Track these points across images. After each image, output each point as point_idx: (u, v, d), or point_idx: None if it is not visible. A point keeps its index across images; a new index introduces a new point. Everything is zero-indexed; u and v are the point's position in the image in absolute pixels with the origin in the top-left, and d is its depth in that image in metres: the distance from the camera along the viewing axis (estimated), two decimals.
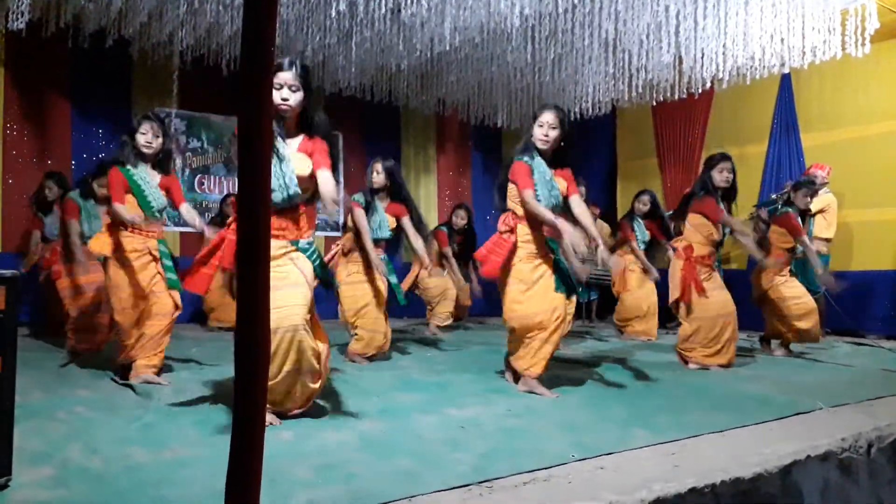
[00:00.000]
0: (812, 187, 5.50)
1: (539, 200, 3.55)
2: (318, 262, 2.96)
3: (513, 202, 3.70)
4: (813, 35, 5.46)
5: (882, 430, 2.76)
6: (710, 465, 2.21)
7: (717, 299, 4.61)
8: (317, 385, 2.88)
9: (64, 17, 5.64)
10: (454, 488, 1.97)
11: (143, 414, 2.93)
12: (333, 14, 5.61)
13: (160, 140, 3.84)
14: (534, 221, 3.63)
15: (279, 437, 2.55)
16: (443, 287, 6.90)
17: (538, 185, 3.58)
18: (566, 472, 2.14)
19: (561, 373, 4.11)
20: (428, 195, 9.26)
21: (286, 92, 2.82)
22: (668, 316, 6.73)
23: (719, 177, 4.60)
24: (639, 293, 6.61)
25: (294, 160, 2.85)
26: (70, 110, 7.11)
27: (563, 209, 3.68)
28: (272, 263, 2.71)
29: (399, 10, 5.69)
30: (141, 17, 5.83)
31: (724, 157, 4.70)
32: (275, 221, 2.78)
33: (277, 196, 2.80)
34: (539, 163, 3.63)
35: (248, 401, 1.31)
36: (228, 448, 1.28)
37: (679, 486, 1.99)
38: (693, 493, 2.00)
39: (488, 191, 9.76)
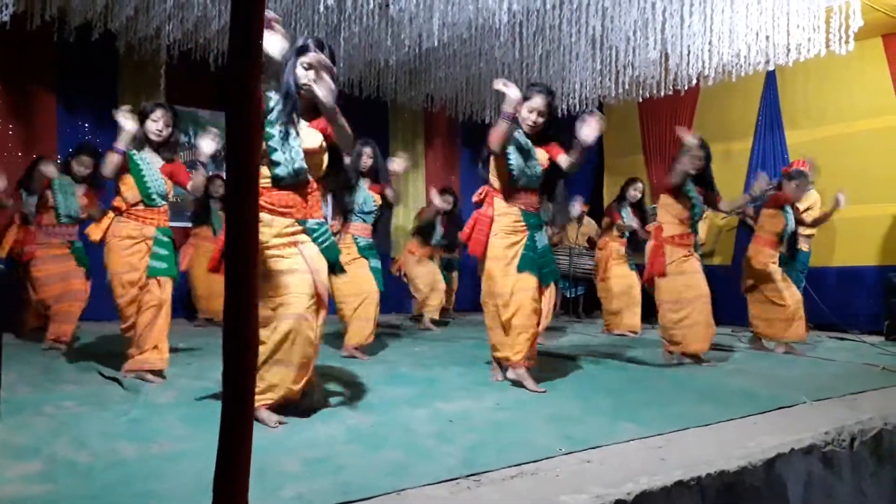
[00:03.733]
0: (805, 179, 5.50)
1: (512, 170, 3.59)
2: (326, 243, 2.87)
3: (492, 175, 3.72)
4: (798, 32, 5.50)
5: (864, 423, 2.79)
6: (695, 459, 2.23)
7: (682, 282, 4.54)
8: (299, 385, 2.79)
9: (49, 10, 5.57)
10: (442, 481, 1.98)
11: (130, 408, 2.92)
12: (321, 9, 5.59)
13: (170, 130, 3.79)
14: (509, 194, 3.65)
15: (267, 430, 2.55)
16: (431, 278, 6.90)
17: (512, 154, 3.60)
18: (554, 466, 2.16)
19: (548, 366, 4.14)
20: (416, 191, 9.25)
21: (314, 73, 2.71)
22: (651, 310, 6.81)
23: (689, 162, 4.59)
24: (622, 281, 6.62)
25: (303, 134, 2.81)
26: (55, 104, 7.03)
27: (543, 182, 3.69)
28: (278, 241, 2.73)
29: (387, 6, 5.68)
30: (127, 11, 5.78)
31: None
32: (282, 198, 2.78)
33: (282, 170, 2.76)
34: (521, 134, 3.64)
35: (236, 395, 1.31)
36: (216, 442, 1.29)
37: (665, 479, 2.01)
38: (679, 486, 2.02)
39: (477, 185, 9.80)
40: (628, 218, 6.60)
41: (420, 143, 9.50)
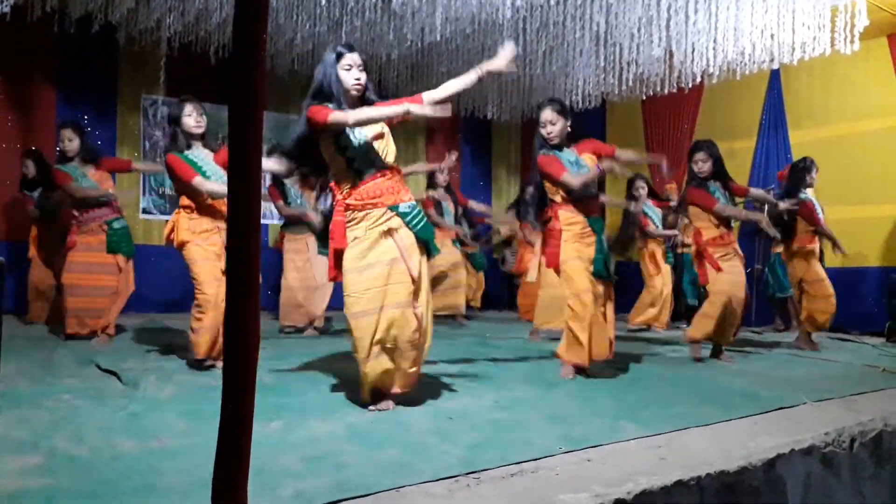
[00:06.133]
0: (811, 165, 5.57)
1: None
2: (419, 225, 2.93)
3: (550, 194, 3.88)
4: (803, 31, 5.49)
5: (864, 425, 2.79)
6: (695, 459, 2.22)
7: (730, 279, 4.56)
8: (414, 368, 2.93)
9: (50, 2, 5.56)
10: (442, 479, 1.97)
11: (129, 403, 2.91)
12: (324, 2, 5.58)
13: (205, 118, 3.91)
14: (576, 202, 3.81)
15: (267, 427, 2.54)
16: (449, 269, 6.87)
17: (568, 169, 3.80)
18: (553, 464, 2.15)
19: (549, 364, 4.13)
20: (416, 185, 9.23)
21: (356, 72, 2.89)
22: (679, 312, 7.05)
23: (695, 168, 4.65)
24: (658, 279, 6.68)
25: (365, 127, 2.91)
26: (55, 96, 7.03)
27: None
28: (374, 232, 2.84)
29: (390, 0, 5.66)
30: (128, 3, 5.77)
31: (696, 147, 4.72)
32: (368, 191, 2.86)
33: (361, 164, 2.88)
34: (560, 154, 3.80)
35: (236, 391, 1.30)
36: (216, 438, 1.28)
37: (665, 478, 2.00)
38: (679, 485, 2.01)
39: (478, 182, 9.82)
40: (652, 212, 6.71)
41: (421, 138, 9.49)
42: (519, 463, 2.14)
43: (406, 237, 2.89)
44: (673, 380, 3.89)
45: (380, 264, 2.83)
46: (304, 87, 8.82)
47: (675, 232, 6.77)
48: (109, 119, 7.35)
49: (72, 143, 4.98)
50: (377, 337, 2.81)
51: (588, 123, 9.10)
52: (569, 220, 3.81)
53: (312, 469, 2.05)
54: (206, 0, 5.69)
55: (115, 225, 5.01)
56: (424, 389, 3.40)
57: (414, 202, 2.98)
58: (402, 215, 2.90)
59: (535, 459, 2.19)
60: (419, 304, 2.89)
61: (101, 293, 4.92)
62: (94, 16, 5.96)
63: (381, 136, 2.94)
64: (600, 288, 3.80)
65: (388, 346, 2.84)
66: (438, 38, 6.10)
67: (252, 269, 1.30)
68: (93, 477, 1.96)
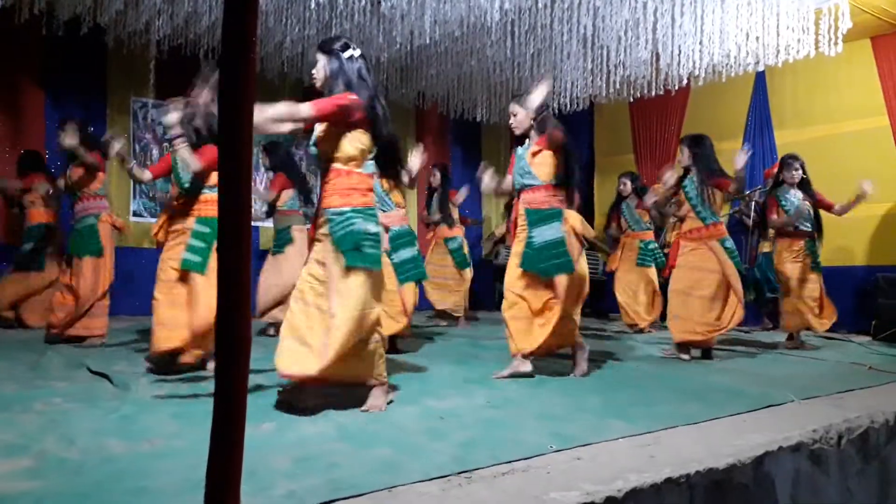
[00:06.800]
0: (796, 161, 5.63)
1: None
2: (339, 233, 2.82)
3: None
4: (787, 34, 5.55)
5: (851, 422, 2.82)
6: (684, 456, 2.24)
7: (685, 275, 4.69)
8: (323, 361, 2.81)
9: (38, 4, 5.53)
10: (433, 479, 1.98)
11: (120, 405, 2.90)
12: (313, 5, 5.58)
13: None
14: (518, 197, 3.95)
15: (259, 428, 2.54)
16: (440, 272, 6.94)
17: (515, 169, 3.99)
18: (544, 463, 2.16)
19: (538, 363, 4.15)
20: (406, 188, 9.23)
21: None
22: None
23: (677, 159, 4.92)
24: (633, 276, 6.71)
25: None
26: (43, 99, 6.98)
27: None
28: (319, 232, 2.94)
29: (379, 3, 5.68)
30: (117, 5, 5.74)
31: (681, 140, 4.99)
32: (319, 193, 3.01)
33: (315, 168, 3.08)
34: (518, 150, 3.98)
35: (228, 392, 1.31)
36: (208, 440, 1.28)
37: (655, 476, 2.02)
38: (668, 483, 2.03)
39: (467, 184, 9.79)
40: (629, 212, 6.75)
41: (411, 140, 9.48)
42: (510, 462, 2.16)
43: (327, 241, 2.88)
44: (661, 378, 3.92)
45: (309, 261, 2.96)
46: (294, 89, 8.91)
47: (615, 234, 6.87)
48: (99, 122, 7.31)
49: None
50: (286, 325, 2.91)
51: (576, 126, 9.15)
52: (517, 217, 3.96)
53: (304, 469, 2.06)
54: (196, 2, 5.68)
55: (77, 225, 4.87)
56: (415, 389, 3.42)
57: (344, 209, 2.84)
58: (328, 220, 2.88)
59: (526, 458, 2.20)
60: (335, 313, 2.77)
61: (60, 289, 4.89)
62: (82, 18, 5.93)
63: (321, 140, 2.95)
64: (531, 281, 3.81)
65: (298, 334, 2.87)
66: (427, 41, 6.12)
67: (242, 269, 1.31)
68: (84, 479, 1.95)
